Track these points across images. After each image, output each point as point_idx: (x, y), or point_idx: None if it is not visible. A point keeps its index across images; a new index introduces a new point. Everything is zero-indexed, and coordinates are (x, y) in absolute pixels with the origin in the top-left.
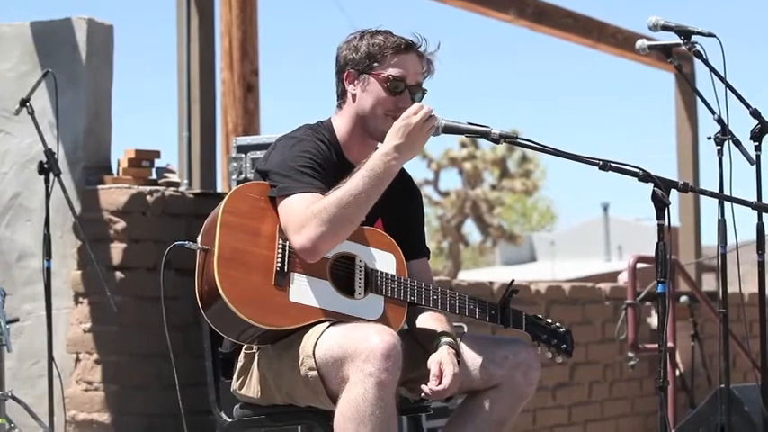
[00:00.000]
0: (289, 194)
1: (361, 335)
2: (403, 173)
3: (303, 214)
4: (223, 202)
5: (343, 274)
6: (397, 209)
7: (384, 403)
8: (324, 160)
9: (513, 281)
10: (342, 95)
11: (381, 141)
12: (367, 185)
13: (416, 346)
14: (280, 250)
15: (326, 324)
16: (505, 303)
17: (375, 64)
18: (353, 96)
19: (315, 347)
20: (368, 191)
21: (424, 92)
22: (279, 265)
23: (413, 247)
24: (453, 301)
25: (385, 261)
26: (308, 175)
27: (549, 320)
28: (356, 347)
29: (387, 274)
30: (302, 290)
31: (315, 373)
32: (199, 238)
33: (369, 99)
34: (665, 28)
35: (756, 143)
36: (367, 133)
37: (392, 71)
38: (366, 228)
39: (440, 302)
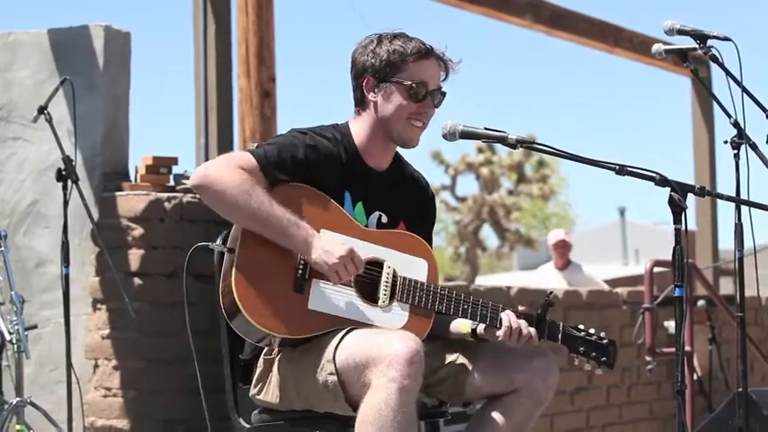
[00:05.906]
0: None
1: (385, 340)
2: (418, 179)
3: (238, 165)
4: None
5: (370, 280)
6: (417, 211)
7: (406, 409)
8: (326, 157)
9: (550, 293)
10: (360, 101)
11: (402, 146)
12: (274, 228)
13: (434, 351)
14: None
15: (347, 329)
16: (541, 317)
17: (396, 72)
18: (374, 104)
19: (335, 352)
20: (268, 230)
21: (443, 94)
22: (300, 271)
23: None
24: (485, 312)
25: (416, 268)
26: (287, 161)
27: (592, 331)
28: (379, 353)
29: (415, 281)
30: (322, 297)
31: (335, 378)
32: (222, 240)
33: (391, 107)
34: (681, 32)
35: None
36: (389, 138)
37: (414, 79)
38: (401, 232)
39: (470, 312)
